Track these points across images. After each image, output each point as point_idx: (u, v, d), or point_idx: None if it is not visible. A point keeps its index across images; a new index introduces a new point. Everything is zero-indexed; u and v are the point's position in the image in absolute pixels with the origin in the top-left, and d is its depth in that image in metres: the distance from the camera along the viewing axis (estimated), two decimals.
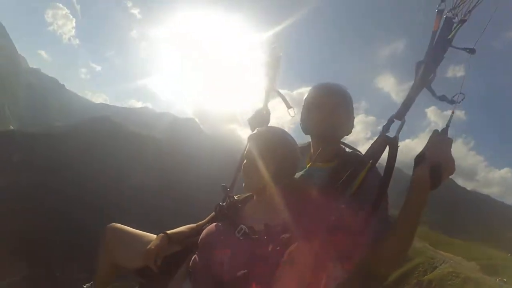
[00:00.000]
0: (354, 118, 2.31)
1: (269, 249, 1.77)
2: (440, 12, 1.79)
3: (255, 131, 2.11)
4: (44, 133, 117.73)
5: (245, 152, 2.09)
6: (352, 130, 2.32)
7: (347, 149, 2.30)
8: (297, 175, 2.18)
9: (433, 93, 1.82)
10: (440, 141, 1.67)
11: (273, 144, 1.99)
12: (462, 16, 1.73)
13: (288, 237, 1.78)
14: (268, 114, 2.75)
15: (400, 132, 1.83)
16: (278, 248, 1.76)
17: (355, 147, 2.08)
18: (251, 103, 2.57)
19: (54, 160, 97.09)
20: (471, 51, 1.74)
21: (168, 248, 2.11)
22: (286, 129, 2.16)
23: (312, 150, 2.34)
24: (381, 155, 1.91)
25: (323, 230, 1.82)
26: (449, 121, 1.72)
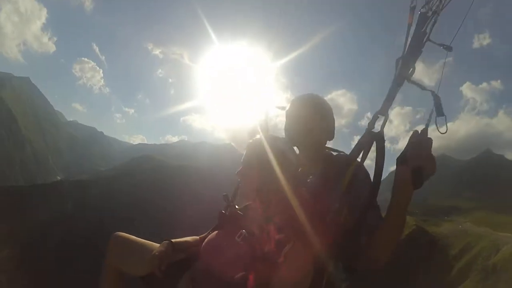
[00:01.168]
0: (333, 124, 2.45)
1: (266, 250, 1.84)
2: (413, 8, 1.88)
3: (251, 140, 2.20)
4: (92, 180, 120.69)
5: (242, 160, 2.17)
6: (334, 135, 2.46)
7: (333, 153, 2.43)
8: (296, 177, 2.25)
9: (420, 86, 1.89)
10: (420, 142, 1.71)
11: (262, 151, 2.06)
12: (434, 8, 1.81)
13: (283, 237, 1.84)
14: (268, 127, 2.79)
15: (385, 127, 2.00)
16: (273, 250, 1.82)
17: (395, 140, 2.11)
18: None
19: (106, 204, 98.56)
20: (448, 48, 1.83)
21: (172, 255, 2.13)
22: None
23: (300, 159, 2.37)
24: (369, 150, 2.04)
25: (318, 229, 1.90)
26: (429, 120, 1.76)
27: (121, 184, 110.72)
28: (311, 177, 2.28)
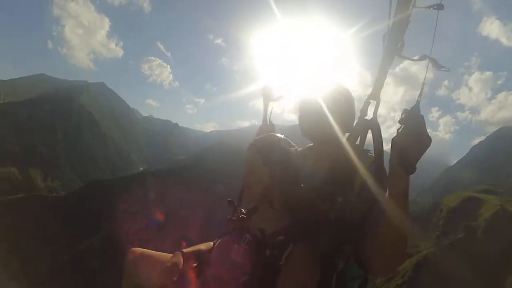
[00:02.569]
0: (353, 118, 2.21)
1: (267, 254, 1.83)
2: None
3: (252, 141, 2.16)
4: (171, 169, 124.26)
5: (245, 162, 2.12)
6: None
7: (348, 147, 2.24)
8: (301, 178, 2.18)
9: (410, 59, 1.75)
10: (408, 119, 1.52)
11: (266, 151, 2.03)
12: None
13: (282, 239, 1.84)
14: (272, 128, 2.69)
15: (378, 112, 1.87)
16: (275, 252, 1.81)
17: (477, 111, 1.88)
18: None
19: (185, 192, 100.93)
20: (439, 6, 1.64)
21: (184, 264, 2.13)
22: None
23: (313, 152, 2.32)
24: (365, 139, 1.95)
25: (322, 229, 1.90)
26: (420, 95, 1.58)
27: (199, 171, 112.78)
28: (321, 174, 2.09)
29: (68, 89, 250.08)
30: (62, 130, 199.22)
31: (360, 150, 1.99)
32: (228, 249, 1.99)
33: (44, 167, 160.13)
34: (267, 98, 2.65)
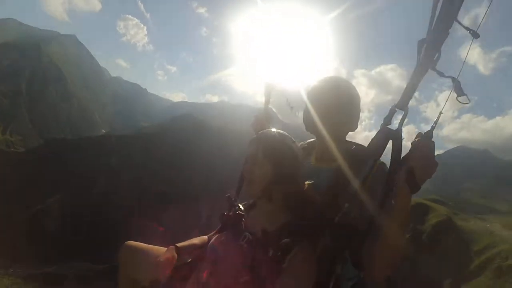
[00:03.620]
0: (358, 114, 2.24)
1: (270, 254, 1.81)
2: None
3: (254, 136, 2.17)
4: (136, 135, 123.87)
5: (245, 157, 2.12)
6: (358, 126, 2.26)
7: (353, 146, 2.22)
8: (302, 174, 2.14)
9: (440, 74, 1.72)
10: (422, 145, 1.60)
11: (271, 148, 2.02)
12: None
13: (288, 241, 1.81)
14: (269, 118, 2.72)
15: (404, 123, 1.79)
16: (278, 253, 1.79)
17: (440, 125, 1.78)
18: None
19: (148, 159, 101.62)
20: (475, 34, 1.63)
21: (178, 259, 2.14)
22: None
23: (317, 149, 2.31)
24: (383, 150, 1.85)
25: (325, 233, 1.88)
26: (435, 122, 1.65)
27: (163, 141, 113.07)
28: (325, 173, 2.11)
29: (37, 38, 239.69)
30: (26, 81, 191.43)
31: (366, 153, 1.94)
32: (227, 246, 2.00)
33: (3, 118, 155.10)
34: (269, 85, 2.74)
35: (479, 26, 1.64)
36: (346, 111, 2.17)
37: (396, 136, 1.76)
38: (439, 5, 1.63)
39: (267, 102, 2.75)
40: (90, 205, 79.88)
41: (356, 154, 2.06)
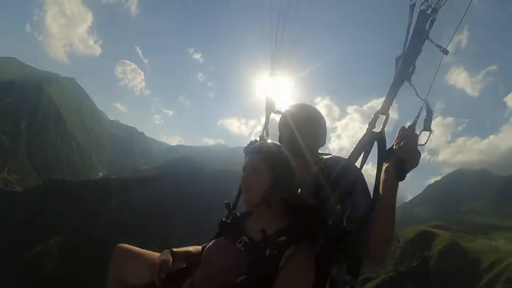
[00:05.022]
0: (325, 132, 2.58)
1: (267, 254, 1.86)
2: (413, 6, 1.89)
3: (253, 146, 2.23)
4: (135, 178, 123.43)
5: (243, 166, 2.18)
6: (326, 142, 2.58)
7: (324, 156, 2.50)
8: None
9: (414, 88, 1.91)
10: (406, 136, 1.80)
11: (269, 156, 2.10)
12: (433, 5, 1.82)
13: (284, 240, 1.89)
14: (267, 133, 2.96)
15: (386, 126, 2.00)
16: (275, 252, 1.85)
17: (435, 152, 2.05)
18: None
19: (149, 201, 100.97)
20: (444, 51, 1.85)
21: (173, 264, 2.15)
22: None
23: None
24: (370, 150, 2.03)
25: (320, 232, 1.98)
26: (417, 117, 1.85)
27: (162, 184, 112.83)
28: (304, 180, 2.29)
29: (38, 78, 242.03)
30: (26, 121, 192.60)
31: (337, 158, 2.42)
32: (223, 250, 2.04)
33: (2, 156, 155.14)
34: (269, 108, 2.99)
35: (448, 43, 1.85)
36: (315, 130, 2.51)
37: (380, 137, 1.96)
38: (412, 26, 1.87)
39: (267, 118, 3.00)
40: (90, 247, 78.53)
41: (329, 160, 2.41)
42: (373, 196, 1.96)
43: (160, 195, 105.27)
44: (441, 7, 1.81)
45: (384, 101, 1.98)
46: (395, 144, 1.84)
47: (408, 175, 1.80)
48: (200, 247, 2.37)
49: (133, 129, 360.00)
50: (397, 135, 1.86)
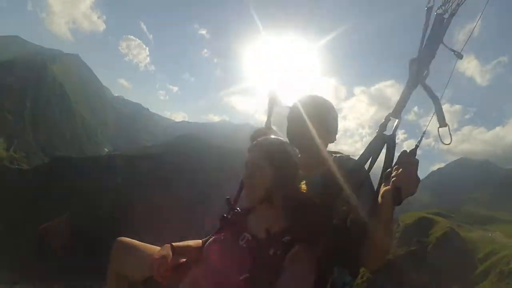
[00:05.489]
0: (336, 127, 2.44)
1: (271, 253, 1.84)
2: (430, 9, 1.87)
3: (256, 142, 2.17)
4: (140, 155, 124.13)
5: (245, 162, 2.12)
6: (336, 137, 2.45)
7: (333, 155, 2.36)
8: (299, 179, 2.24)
9: (428, 89, 1.90)
10: (406, 163, 1.74)
11: (272, 152, 2.05)
12: (451, 10, 1.81)
13: (289, 239, 1.86)
14: (271, 128, 2.69)
15: (398, 130, 1.98)
16: (279, 252, 1.83)
17: (441, 139, 1.89)
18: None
19: (154, 178, 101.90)
20: (459, 55, 1.84)
21: (173, 259, 2.11)
22: None
23: (302, 161, 2.34)
24: (379, 153, 2.00)
25: (324, 232, 1.94)
26: (419, 141, 1.80)
27: (166, 161, 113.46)
28: (313, 179, 2.24)
29: (41, 56, 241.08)
30: (31, 99, 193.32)
31: (346, 158, 2.29)
32: (224, 247, 2.02)
33: (8, 135, 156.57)
34: (272, 101, 2.78)
35: (462, 49, 1.86)
36: (326, 125, 2.38)
37: (391, 140, 1.95)
38: (429, 29, 1.87)
39: (270, 111, 2.82)
40: (97, 224, 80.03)
41: (339, 160, 2.27)
42: (371, 208, 1.92)
43: (165, 171, 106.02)
44: (457, 11, 1.80)
45: (397, 104, 1.98)
46: (394, 169, 1.77)
47: None
48: (200, 241, 2.33)
49: (138, 105, 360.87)
50: (397, 159, 1.81)
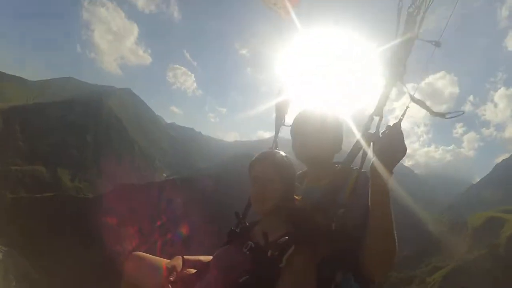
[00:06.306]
0: (341, 137, 2.44)
1: (268, 254, 1.91)
2: (400, 9, 1.89)
3: (257, 156, 2.27)
4: (197, 177, 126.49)
5: (252, 177, 2.21)
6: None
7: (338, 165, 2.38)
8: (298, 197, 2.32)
9: (405, 86, 1.91)
10: (388, 133, 1.82)
11: (281, 166, 2.16)
12: (424, 12, 1.82)
13: (285, 241, 1.91)
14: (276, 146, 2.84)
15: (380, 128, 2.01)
16: (276, 253, 1.89)
17: (501, 127, 1.90)
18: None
19: (212, 198, 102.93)
20: (437, 43, 1.84)
21: (183, 270, 2.25)
22: None
23: (308, 174, 2.50)
24: (367, 152, 2.02)
25: (322, 236, 1.99)
26: (403, 115, 1.85)
27: (222, 181, 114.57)
28: (314, 190, 2.26)
29: (97, 93, 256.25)
30: (91, 133, 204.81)
31: (347, 168, 2.24)
32: (229, 254, 2.11)
33: (72, 167, 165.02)
34: (279, 120, 2.88)
35: (441, 35, 1.82)
36: (329, 137, 2.36)
37: (375, 137, 1.93)
38: (400, 28, 1.88)
39: (277, 130, 2.86)
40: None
41: (340, 171, 2.24)
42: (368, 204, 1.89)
43: (222, 192, 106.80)
44: (427, 9, 1.80)
45: (377, 103, 2.00)
46: (380, 139, 1.85)
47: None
48: (210, 257, 2.37)
49: (191, 130, 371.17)
50: (382, 132, 1.89)
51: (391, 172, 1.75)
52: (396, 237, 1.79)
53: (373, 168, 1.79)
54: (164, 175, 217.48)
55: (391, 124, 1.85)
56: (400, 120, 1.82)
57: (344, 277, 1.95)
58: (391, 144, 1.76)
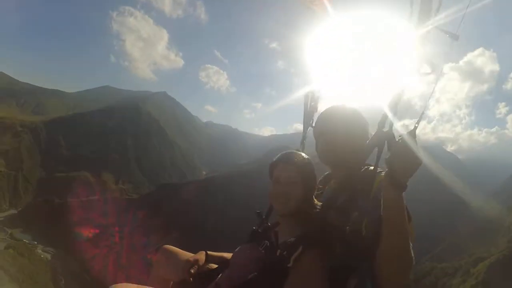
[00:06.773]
0: (365, 137, 2.19)
1: (277, 253, 1.94)
2: None
3: (280, 157, 2.21)
4: (236, 173, 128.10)
5: (274, 178, 2.17)
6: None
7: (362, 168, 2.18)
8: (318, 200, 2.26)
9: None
10: (399, 146, 1.64)
11: (303, 169, 2.12)
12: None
13: (293, 241, 1.93)
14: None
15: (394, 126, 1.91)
16: (284, 252, 1.90)
17: (417, 125, 1.73)
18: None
19: (250, 194, 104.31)
20: (455, 36, 1.73)
21: (205, 264, 2.28)
22: None
23: (334, 177, 2.35)
24: (382, 151, 1.93)
25: (333, 238, 1.95)
26: (418, 122, 1.71)
27: (262, 176, 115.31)
28: (340, 193, 2.15)
29: (133, 99, 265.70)
30: (131, 137, 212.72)
31: (372, 171, 2.03)
32: (245, 252, 2.14)
33: (115, 171, 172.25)
34: (307, 121, 2.77)
35: (458, 28, 1.72)
36: (353, 138, 2.18)
37: (390, 137, 1.85)
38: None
39: (305, 131, 2.77)
40: (204, 239, 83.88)
41: (363, 175, 2.10)
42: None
43: (261, 187, 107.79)
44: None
45: (390, 101, 1.94)
46: (389, 153, 1.71)
47: None
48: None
49: (227, 127, 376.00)
50: (389, 147, 1.81)
51: (404, 186, 1.62)
52: (410, 256, 1.67)
53: (384, 181, 1.67)
54: (204, 172, 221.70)
55: (410, 128, 1.70)
56: (415, 128, 1.67)
57: (359, 284, 1.87)
58: (403, 156, 1.62)
